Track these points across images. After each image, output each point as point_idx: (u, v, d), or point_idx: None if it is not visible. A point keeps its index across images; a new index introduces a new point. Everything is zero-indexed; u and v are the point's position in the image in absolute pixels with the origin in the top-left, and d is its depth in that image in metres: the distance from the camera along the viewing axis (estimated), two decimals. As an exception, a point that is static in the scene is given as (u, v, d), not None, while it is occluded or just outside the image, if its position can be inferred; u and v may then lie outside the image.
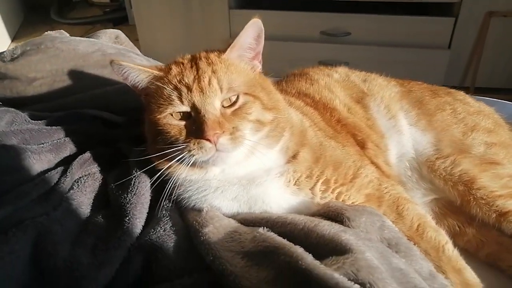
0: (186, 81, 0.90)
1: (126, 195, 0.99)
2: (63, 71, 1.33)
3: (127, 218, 0.93)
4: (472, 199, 1.09)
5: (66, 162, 1.09)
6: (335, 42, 3.40)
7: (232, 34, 3.30)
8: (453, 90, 1.35)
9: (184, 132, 0.90)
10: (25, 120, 1.17)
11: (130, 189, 1.00)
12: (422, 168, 1.17)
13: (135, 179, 1.02)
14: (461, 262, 0.95)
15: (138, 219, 0.94)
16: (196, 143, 0.87)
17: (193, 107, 0.90)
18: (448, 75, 3.28)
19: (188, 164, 0.90)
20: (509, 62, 3.22)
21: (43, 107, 1.29)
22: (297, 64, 1.46)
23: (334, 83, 1.27)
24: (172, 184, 0.97)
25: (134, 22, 3.91)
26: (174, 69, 0.94)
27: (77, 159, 1.07)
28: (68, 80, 1.32)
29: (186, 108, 0.90)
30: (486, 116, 1.25)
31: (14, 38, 4.66)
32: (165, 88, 0.90)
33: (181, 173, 0.95)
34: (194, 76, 0.90)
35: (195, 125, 0.89)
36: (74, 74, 1.33)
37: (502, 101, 1.58)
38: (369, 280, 0.67)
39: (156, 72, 0.95)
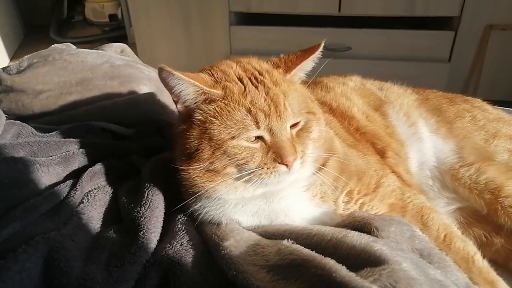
0: (261, 105, 0.85)
1: (139, 209, 0.94)
2: (71, 83, 1.30)
3: (141, 232, 0.89)
4: (499, 208, 1.05)
5: (75, 175, 1.05)
6: (336, 57, 3.39)
7: (232, 50, 3.30)
8: (470, 98, 1.33)
9: (257, 155, 0.85)
10: (32, 133, 1.12)
11: (144, 202, 0.95)
12: (445, 176, 1.13)
13: (148, 192, 0.98)
14: (492, 273, 0.90)
15: (153, 234, 0.89)
16: (271, 167, 0.85)
17: (269, 131, 0.86)
18: (448, 88, 3.21)
19: (252, 185, 0.88)
20: (510, 75, 3.22)
21: (49, 120, 1.25)
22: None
23: (351, 91, 1.23)
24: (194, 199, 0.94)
25: (133, 40, 3.90)
26: (235, 89, 0.87)
27: (86, 172, 1.02)
28: (76, 92, 1.29)
29: (261, 133, 0.86)
30: (506, 123, 1.22)
31: (12, 58, 4.64)
32: (236, 111, 0.84)
33: (229, 193, 0.90)
34: (265, 99, 0.86)
35: (272, 149, 0.85)
36: (82, 86, 1.30)
37: (513, 109, 1.56)
38: (410, 293, 0.63)
39: (214, 91, 0.86)
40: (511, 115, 1.29)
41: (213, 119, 0.85)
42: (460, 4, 3.05)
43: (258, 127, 0.85)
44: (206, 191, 0.89)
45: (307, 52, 0.97)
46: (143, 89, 1.36)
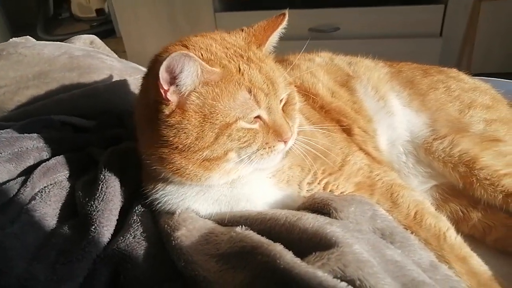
0: (260, 84, 0.81)
1: (93, 202, 0.90)
2: (28, 77, 1.25)
3: (93, 227, 0.84)
4: (475, 181, 0.99)
5: (30, 172, 1.00)
6: (324, 38, 3.33)
7: (219, 37, 3.23)
8: (445, 68, 1.26)
9: (259, 136, 0.82)
10: (-16, 131, 1.08)
11: (97, 195, 0.91)
12: (419, 151, 1.08)
13: (102, 184, 0.93)
14: (465, 249, 0.86)
15: (105, 227, 0.85)
16: (272, 146, 0.83)
17: (268, 110, 0.83)
18: (441, 63, 3.14)
19: (246, 166, 0.84)
20: (503, 46, 3.14)
21: (7, 116, 1.20)
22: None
23: (317, 67, 1.18)
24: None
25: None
26: (232, 68, 0.81)
27: (39, 167, 0.98)
28: (33, 86, 1.24)
29: (261, 112, 0.82)
30: (483, 92, 1.16)
31: (0, 59, 4.59)
32: (238, 92, 0.79)
33: (221, 178, 0.85)
34: (262, 77, 0.82)
35: (271, 128, 0.83)
36: (40, 80, 1.25)
37: (498, 79, 1.49)
38: (359, 276, 0.58)
39: (217, 71, 0.79)
40: (488, 84, 1.22)
41: (214, 102, 0.78)
42: (449, -24, 2.97)
43: (259, 107, 0.81)
44: (199, 180, 0.83)
45: (274, 23, 0.92)
46: (105, 79, 1.31)
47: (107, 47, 1.82)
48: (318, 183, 0.93)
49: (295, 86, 1.07)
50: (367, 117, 1.10)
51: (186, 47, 0.84)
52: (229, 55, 0.84)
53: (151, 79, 0.82)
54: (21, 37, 1.47)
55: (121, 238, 0.83)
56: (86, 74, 1.29)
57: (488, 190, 0.98)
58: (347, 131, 1.05)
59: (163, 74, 0.75)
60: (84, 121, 1.22)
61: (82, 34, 4.91)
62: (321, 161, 0.93)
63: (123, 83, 1.31)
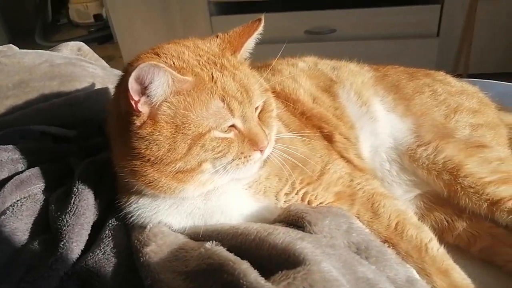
0: (233, 92, 0.79)
1: (64, 216, 0.87)
2: (8, 86, 1.23)
3: (62, 242, 0.82)
4: (459, 189, 0.96)
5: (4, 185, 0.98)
6: (320, 40, 3.31)
7: (215, 41, 3.20)
8: (432, 71, 1.23)
9: (234, 146, 0.79)
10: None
11: (69, 209, 0.89)
12: (403, 158, 1.05)
13: (75, 198, 0.91)
14: (447, 261, 0.83)
15: (75, 243, 0.83)
16: (248, 156, 0.81)
17: (243, 118, 0.80)
18: (439, 63, 3.17)
19: (222, 177, 0.81)
20: (501, 46, 3.11)
21: (-14, 127, 1.18)
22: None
23: (299, 73, 1.15)
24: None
25: (121, 38, 3.83)
26: (205, 76, 0.78)
27: (11, 180, 0.95)
28: (13, 96, 1.22)
29: (235, 121, 0.79)
30: (470, 96, 1.13)
31: (-2, 65, 4.60)
32: (211, 101, 0.77)
33: (196, 190, 0.83)
34: (235, 85, 0.80)
35: (246, 137, 0.81)
36: (20, 89, 1.23)
37: (489, 80, 1.46)
38: (324, 297, 0.55)
39: (188, 79, 0.76)
40: (476, 87, 1.19)
41: (186, 112, 0.75)
42: (444, -24, 2.94)
43: (233, 115, 0.79)
44: (173, 192, 0.81)
45: (249, 28, 0.90)
46: (86, 87, 1.29)
47: (95, 54, 1.81)
48: (296, 194, 0.91)
49: (276, 92, 1.05)
50: (349, 123, 1.07)
51: (158, 55, 0.82)
52: (202, 62, 0.81)
53: (121, 89, 0.80)
54: (3, 46, 1.45)
55: (91, 254, 0.80)
56: (68, 83, 1.27)
57: (472, 198, 0.95)
58: (328, 138, 1.02)
59: (132, 85, 0.72)
60: (65, 131, 1.20)
61: (80, 39, 4.93)
62: (300, 170, 0.91)
63: (105, 91, 1.28)
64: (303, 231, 0.76)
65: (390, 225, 0.88)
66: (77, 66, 1.32)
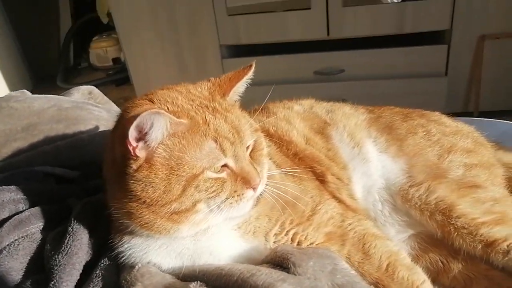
0: (225, 133, 0.82)
1: (56, 256, 0.89)
2: (17, 129, 1.29)
3: (52, 282, 0.84)
4: (452, 229, 0.95)
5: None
6: (329, 80, 3.37)
7: (226, 83, 3.29)
8: (427, 112, 1.24)
9: (227, 185, 0.82)
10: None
11: (62, 248, 0.91)
12: (396, 199, 1.04)
13: (69, 237, 0.93)
14: None
15: (65, 283, 0.84)
16: (241, 194, 0.83)
17: (235, 158, 0.83)
18: (449, 102, 3.18)
19: (216, 216, 0.82)
20: (510, 83, 3.09)
21: (-6, 168, 1.23)
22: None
23: (294, 115, 1.18)
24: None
25: (137, 81, 3.96)
26: (199, 119, 0.82)
27: (10, 220, 0.99)
28: (21, 139, 1.28)
29: (227, 160, 0.82)
30: (464, 136, 1.13)
31: (21, 108, 4.78)
32: (205, 142, 0.80)
33: (191, 230, 0.84)
34: (227, 127, 0.83)
35: (239, 176, 0.83)
36: (28, 132, 1.29)
37: (491, 120, 1.46)
38: None
39: (184, 122, 0.79)
40: (471, 126, 1.19)
41: (181, 154, 0.78)
42: (450, 17, 2.98)
43: (226, 155, 0.81)
44: (168, 232, 0.83)
45: (240, 73, 0.94)
46: (90, 129, 1.34)
47: (105, 97, 1.88)
48: (286, 234, 0.91)
49: (270, 133, 1.08)
50: (342, 164, 1.08)
51: (152, 101, 0.86)
52: (195, 106, 0.85)
53: (118, 134, 0.83)
54: (17, 91, 1.53)
55: (78, 295, 0.82)
56: (73, 125, 1.33)
57: (466, 239, 0.93)
58: (321, 179, 1.03)
59: (132, 133, 0.75)
60: (68, 172, 1.24)
61: (99, 82, 5.11)
62: (290, 211, 0.91)
63: (109, 134, 1.33)
64: (288, 272, 0.76)
65: (381, 266, 0.87)
66: (83, 110, 1.38)
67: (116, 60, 5.47)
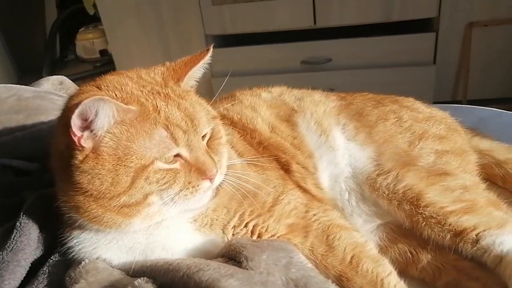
0: (177, 121, 0.77)
1: (2, 253, 0.84)
2: (-27, 120, 1.23)
3: (-5, 280, 0.78)
4: (421, 219, 0.91)
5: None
6: (317, 70, 3.33)
7: (213, 74, 3.24)
8: (401, 98, 1.19)
9: (180, 176, 0.77)
10: None
11: (8, 245, 0.85)
12: (364, 188, 1.00)
13: (16, 233, 0.88)
14: None
15: (7, 281, 0.79)
16: (196, 185, 0.78)
17: (188, 147, 0.78)
18: (437, 91, 3.15)
19: (171, 208, 0.77)
20: (498, 71, 3.08)
21: (-51, 162, 1.17)
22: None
23: (260, 102, 1.12)
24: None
25: (125, 73, 3.91)
26: (149, 106, 0.76)
27: (-45, 215, 0.93)
28: (-22, 130, 1.22)
29: (180, 150, 0.77)
30: (437, 122, 1.08)
31: (5, 101, 4.71)
32: (154, 131, 0.74)
33: (143, 223, 0.79)
34: (180, 114, 0.78)
35: (193, 166, 0.78)
36: (-15, 123, 1.23)
37: (470, 106, 1.42)
38: None
39: (133, 109, 0.74)
40: (446, 112, 1.15)
41: (128, 143, 0.73)
42: (437, 4, 2.95)
43: (178, 145, 0.76)
44: (119, 227, 0.78)
45: (196, 58, 0.89)
46: (52, 120, 1.28)
47: (77, 87, 1.82)
48: (245, 226, 0.86)
49: (233, 121, 1.03)
50: (307, 153, 1.03)
51: (99, 87, 0.81)
52: (146, 92, 0.80)
53: (62, 124, 0.78)
54: (-22, 81, 1.47)
55: (20, 294, 0.77)
56: (34, 116, 1.27)
57: (435, 229, 0.89)
58: (285, 168, 0.98)
59: (75, 122, 0.70)
60: (27, 164, 1.19)
61: (86, 74, 5.02)
62: (250, 201, 0.87)
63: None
64: (240, 266, 0.72)
65: (345, 258, 0.83)
66: (45, 99, 1.32)
67: (103, 52, 5.38)
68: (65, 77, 1.80)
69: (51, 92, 1.42)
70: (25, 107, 1.28)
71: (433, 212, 0.89)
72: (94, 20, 5.14)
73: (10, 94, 1.29)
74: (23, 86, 1.43)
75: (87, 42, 5.43)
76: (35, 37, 5.61)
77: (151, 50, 3.61)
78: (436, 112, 1.14)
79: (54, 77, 1.77)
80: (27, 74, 5.44)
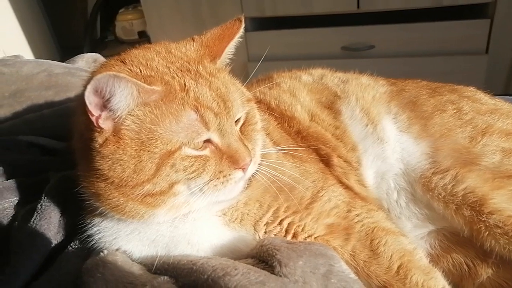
0: (208, 102, 0.69)
1: (20, 235, 0.79)
2: (4, 95, 1.20)
3: (10, 266, 0.74)
4: (483, 228, 0.78)
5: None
6: (358, 57, 3.18)
7: (249, 57, 3.15)
8: (460, 87, 1.06)
9: (210, 164, 0.70)
10: None
11: (27, 227, 0.81)
12: (415, 187, 0.88)
13: (36, 215, 0.83)
14: None
15: (23, 267, 0.74)
16: (227, 175, 0.71)
17: (220, 132, 0.70)
18: (489, 82, 2.92)
19: (199, 200, 0.70)
20: (559, 62, 2.81)
21: (-23, 136, 1.14)
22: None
23: (300, 86, 1.02)
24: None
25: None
26: (175, 84, 0.69)
27: (-22, 194, 0.89)
28: (7, 105, 1.19)
29: (210, 135, 0.70)
30: (504, 115, 0.94)
31: (46, 80, 4.81)
32: (182, 113, 0.67)
33: (168, 214, 0.73)
34: (211, 95, 0.70)
35: (225, 153, 0.71)
36: (14, 98, 1.19)
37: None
38: None
39: (156, 89, 0.67)
40: (513, 105, 1.00)
41: (153, 126, 0.66)
42: (494, -12, 2.72)
43: (208, 129, 0.69)
44: (142, 217, 0.72)
45: (230, 30, 0.81)
46: (80, 98, 1.23)
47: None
48: (279, 224, 0.77)
49: (271, 107, 0.93)
50: (350, 145, 0.92)
51: (124, 62, 0.73)
52: (173, 69, 0.72)
53: (81, 102, 0.70)
54: (12, 55, 1.44)
55: (35, 282, 0.71)
56: (62, 93, 1.22)
57: (500, 240, 0.77)
58: (326, 161, 0.88)
59: (90, 99, 0.64)
60: (54, 142, 1.14)
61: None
62: (286, 196, 0.78)
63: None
64: (272, 271, 0.63)
65: (391, 267, 0.73)
66: (75, 76, 1.27)
67: (141, 34, 5.38)
68: (99, 55, 1.77)
69: (82, 69, 1.37)
70: (55, 83, 1.23)
71: (499, 221, 0.77)
72: (135, 1, 5.14)
73: (41, 69, 1.25)
74: (54, 61, 1.39)
75: (126, 23, 5.44)
76: (77, 17, 5.68)
77: (187, 33, 3.55)
78: (502, 104, 1.00)
79: (89, 54, 1.74)
80: (68, 54, 5.53)
